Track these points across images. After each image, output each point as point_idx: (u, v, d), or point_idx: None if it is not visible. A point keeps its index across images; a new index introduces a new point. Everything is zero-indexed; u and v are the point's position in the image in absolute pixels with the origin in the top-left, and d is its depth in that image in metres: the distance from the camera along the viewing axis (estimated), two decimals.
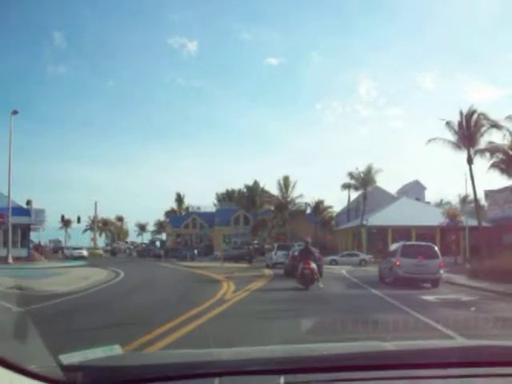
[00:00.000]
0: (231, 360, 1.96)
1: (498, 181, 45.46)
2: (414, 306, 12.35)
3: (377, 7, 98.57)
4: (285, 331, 8.05)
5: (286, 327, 8.66)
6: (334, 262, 40.42)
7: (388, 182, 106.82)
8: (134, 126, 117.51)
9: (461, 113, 35.79)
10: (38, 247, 54.04)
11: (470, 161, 35.35)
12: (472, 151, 35.27)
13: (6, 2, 61.57)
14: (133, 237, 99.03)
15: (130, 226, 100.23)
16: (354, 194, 59.94)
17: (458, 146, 35.70)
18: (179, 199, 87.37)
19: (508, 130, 33.16)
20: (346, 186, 56.55)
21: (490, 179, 45.89)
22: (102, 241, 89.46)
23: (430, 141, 36.64)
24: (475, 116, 35.39)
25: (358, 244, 50.62)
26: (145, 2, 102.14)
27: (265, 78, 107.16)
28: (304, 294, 15.89)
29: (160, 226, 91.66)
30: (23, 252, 42.12)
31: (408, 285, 18.62)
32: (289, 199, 60.89)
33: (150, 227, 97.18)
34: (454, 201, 63.08)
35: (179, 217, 79.41)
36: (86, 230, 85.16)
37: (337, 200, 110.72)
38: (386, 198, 57.51)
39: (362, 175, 53.54)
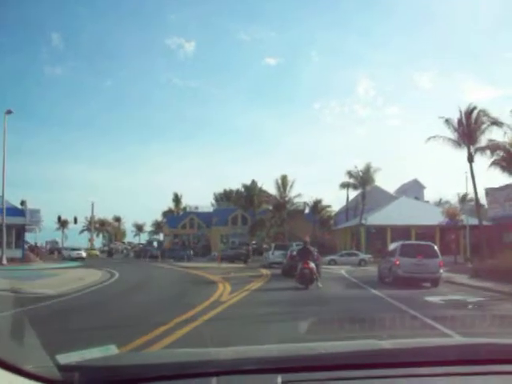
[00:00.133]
0: (228, 359, 1.93)
1: (499, 179, 45.15)
2: (421, 308, 11.69)
3: (374, 4, 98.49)
4: (283, 335, 7.63)
5: (284, 330, 8.24)
6: (333, 262, 40.00)
7: (387, 181, 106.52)
8: (131, 126, 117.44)
9: (460, 110, 35.64)
10: (34, 248, 53.61)
11: (470, 159, 35.13)
12: (472, 149, 35.03)
13: (3, 2, 61.27)
14: (130, 237, 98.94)
15: (128, 226, 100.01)
16: (353, 193, 59.72)
17: (458, 143, 35.49)
18: (177, 199, 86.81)
19: (509, 126, 32.88)
20: (344, 185, 56.39)
21: (490, 177, 45.64)
22: (99, 241, 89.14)
23: (429, 139, 36.53)
24: (475, 113, 35.16)
25: (356, 243, 50.38)
26: (142, 3, 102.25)
27: (262, 77, 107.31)
28: (303, 295, 15.66)
29: (157, 227, 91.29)
30: (18, 253, 41.75)
31: (408, 284, 18.48)
32: (287, 199, 60.64)
33: (148, 227, 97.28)
34: (453, 200, 62.88)
35: (177, 217, 79.03)
36: (83, 231, 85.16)
37: (335, 199, 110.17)
38: (385, 197, 57.40)
39: (360, 174, 53.33)
